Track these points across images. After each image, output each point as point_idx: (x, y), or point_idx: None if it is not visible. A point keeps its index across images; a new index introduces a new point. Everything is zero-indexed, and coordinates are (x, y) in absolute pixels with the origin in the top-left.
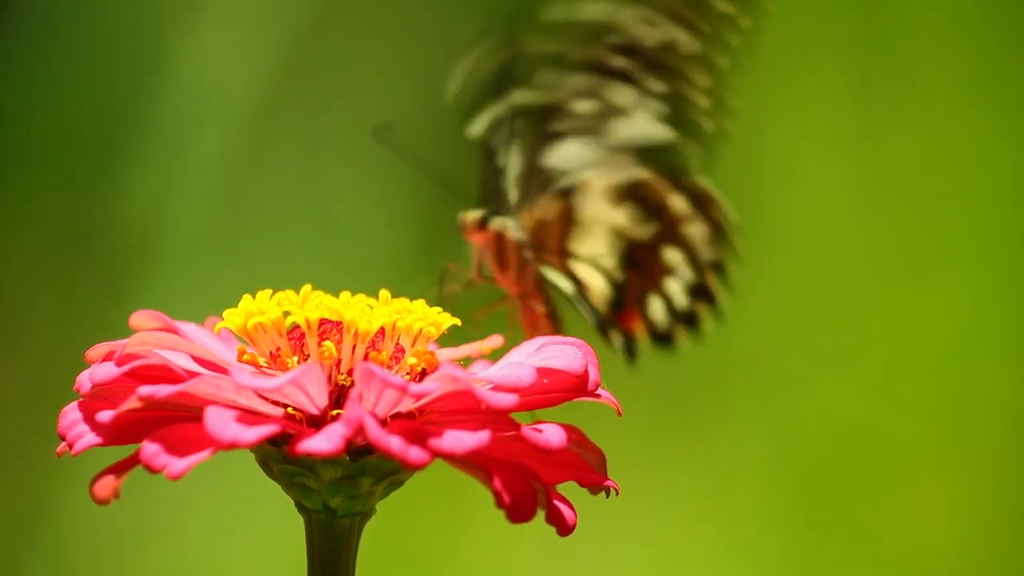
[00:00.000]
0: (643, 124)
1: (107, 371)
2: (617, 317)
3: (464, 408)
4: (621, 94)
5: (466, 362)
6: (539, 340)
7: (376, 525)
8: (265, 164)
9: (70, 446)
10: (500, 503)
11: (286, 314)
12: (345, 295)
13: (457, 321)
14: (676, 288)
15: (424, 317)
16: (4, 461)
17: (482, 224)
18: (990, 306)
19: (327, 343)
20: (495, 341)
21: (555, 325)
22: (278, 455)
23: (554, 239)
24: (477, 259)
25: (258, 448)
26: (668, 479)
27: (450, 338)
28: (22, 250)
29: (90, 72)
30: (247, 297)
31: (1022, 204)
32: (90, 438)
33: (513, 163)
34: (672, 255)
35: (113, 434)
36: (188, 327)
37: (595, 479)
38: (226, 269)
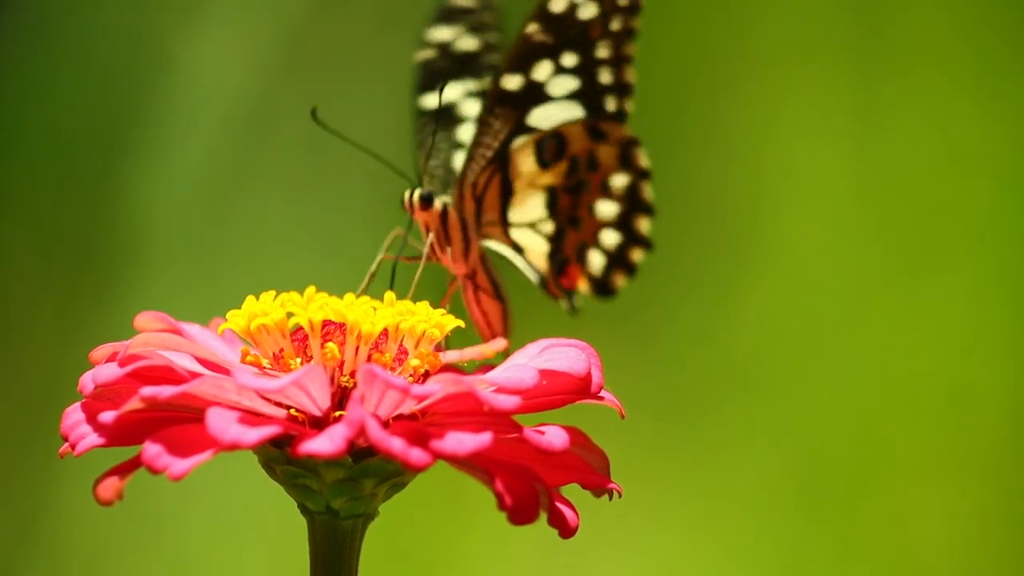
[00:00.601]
0: (558, 100)
1: (110, 372)
2: (560, 276)
3: (467, 410)
4: (540, 69)
5: (470, 365)
6: (543, 342)
7: (376, 526)
8: (262, 163)
9: (73, 447)
10: (502, 505)
11: (289, 315)
12: (349, 296)
13: (461, 323)
14: (611, 238)
15: (428, 319)
16: (2, 462)
17: (426, 202)
18: (988, 306)
19: (330, 344)
20: (499, 344)
21: (500, 302)
22: (281, 456)
23: (494, 212)
24: (425, 238)
25: (261, 449)
26: (666, 481)
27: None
28: (20, 250)
29: (86, 72)
30: (251, 298)
31: (1020, 204)
32: (93, 439)
33: (453, 141)
34: (605, 207)
35: (115, 435)
36: (192, 328)
37: (598, 481)
38: (223, 269)
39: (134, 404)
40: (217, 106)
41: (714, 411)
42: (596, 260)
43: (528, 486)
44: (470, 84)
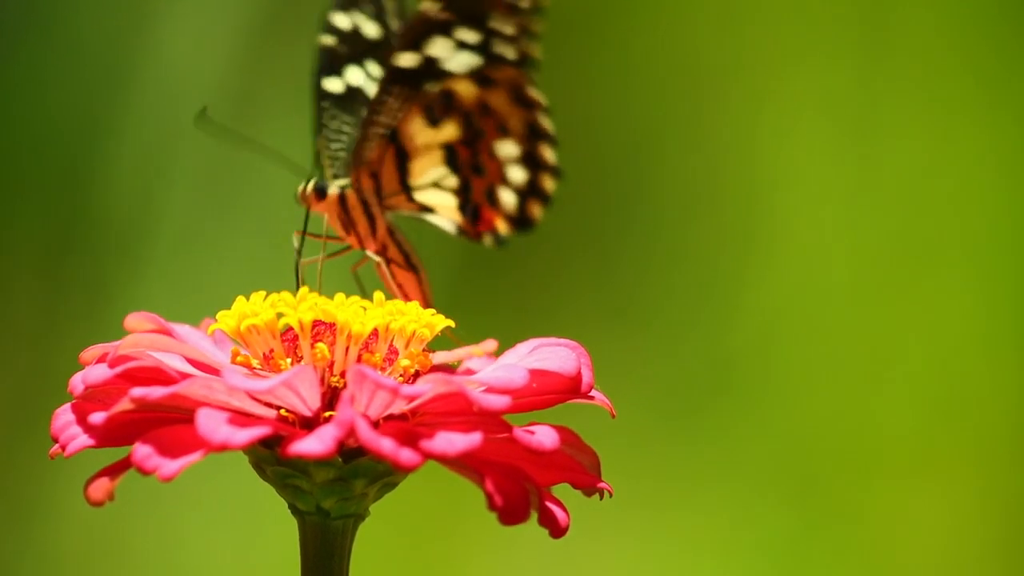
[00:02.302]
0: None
1: (100, 373)
2: (476, 222)
3: (457, 410)
4: (437, 45)
5: (460, 365)
6: (533, 342)
7: (371, 527)
8: (251, 158)
9: (63, 448)
10: (492, 505)
11: (279, 316)
12: (339, 296)
13: (451, 323)
14: (519, 174)
15: (418, 319)
16: None
17: (320, 193)
18: (987, 305)
19: (320, 345)
20: (490, 344)
21: (413, 271)
22: (271, 457)
23: (393, 183)
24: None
25: (251, 450)
26: (662, 478)
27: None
28: (8, 250)
29: (70, 69)
30: (240, 299)
31: (1019, 203)
32: (83, 440)
33: (346, 125)
34: (506, 147)
35: (106, 436)
36: (182, 329)
37: (588, 481)
38: (214, 267)
39: (124, 405)
40: (199, 98)
41: (711, 408)
42: (508, 198)
43: (518, 486)
44: (373, 68)
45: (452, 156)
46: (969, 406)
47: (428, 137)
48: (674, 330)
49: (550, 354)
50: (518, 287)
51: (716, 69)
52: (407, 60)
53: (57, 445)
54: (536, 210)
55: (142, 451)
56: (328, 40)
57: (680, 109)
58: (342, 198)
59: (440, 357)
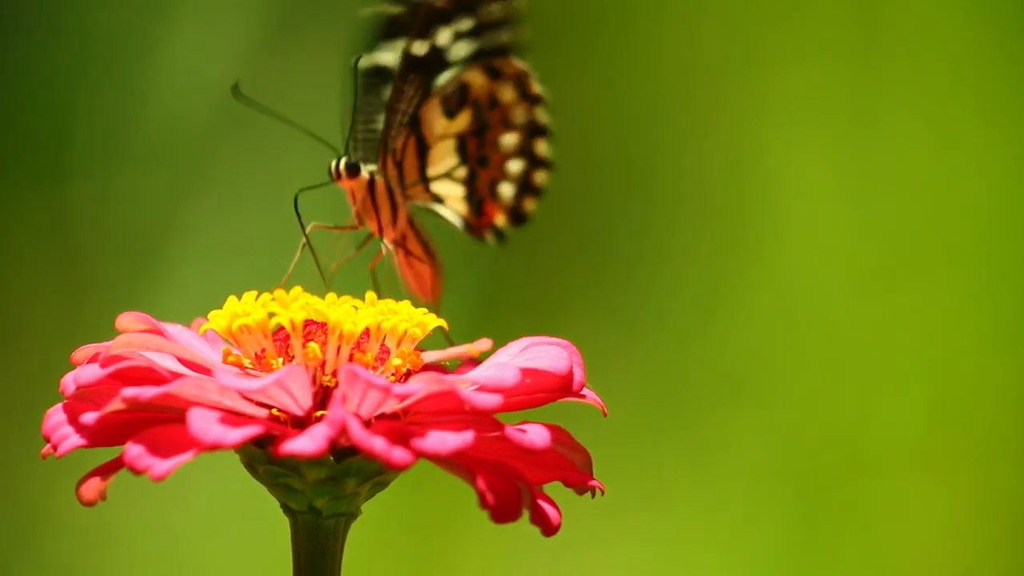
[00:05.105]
0: (460, 65)
1: (91, 373)
2: (480, 216)
3: (448, 409)
4: (442, 35)
5: (452, 364)
6: (524, 341)
7: (363, 525)
8: (256, 157)
9: (55, 448)
10: (484, 503)
11: (271, 315)
12: (331, 296)
13: (443, 323)
14: (516, 166)
15: (409, 318)
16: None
17: (353, 171)
18: (986, 305)
19: (312, 344)
20: (482, 344)
21: (432, 263)
22: (263, 456)
23: (414, 172)
24: (352, 205)
25: (243, 449)
26: (661, 479)
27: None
28: (16, 253)
29: (82, 72)
30: (232, 298)
31: (1017, 202)
32: (74, 440)
33: (375, 110)
34: (507, 139)
35: (97, 436)
36: (174, 328)
37: (580, 479)
38: (225, 270)
39: (116, 405)
40: (207, 100)
41: (709, 410)
42: (506, 191)
43: (510, 484)
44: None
45: (462, 147)
46: (969, 406)
47: (444, 128)
48: (673, 330)
49: (541, 353)
50: (514, 288)
51: (714, 71)
52: (420, 48)
53: (49, 445)
54: (529, 204)
55: (134, 451)
56: (390, 9)
57: (679, 110)
58: (372, 182)
59: (432, 356)
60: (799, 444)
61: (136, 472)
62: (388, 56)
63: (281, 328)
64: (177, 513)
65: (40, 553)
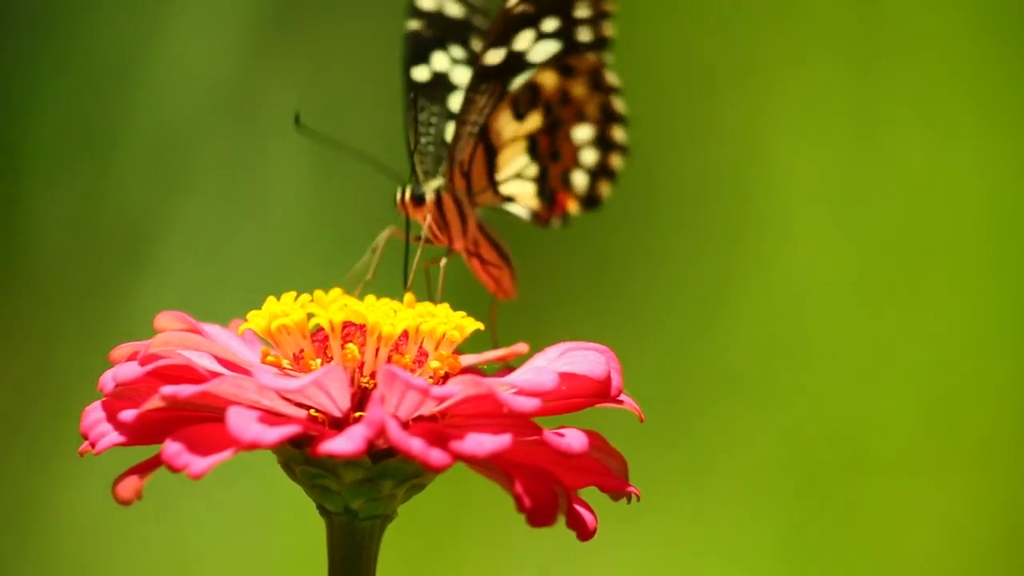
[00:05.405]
0: (539, 65)
1: (130, 371)
2: (552, 207)
3: (486, 412)
4: (522, 39)
5: (490, 368)
6: (563, 346)
7: (394, 527)
8: (257, 160)
9: (92, 445)
10: (521, 507)
11: (310, 316)
12: (370, 298)
13: (481, 326)
14: (591, 156)
15: (447, 321)
16: (10, 458)
17: (418, 201)
18: (985, 305)
19: (350, 345)
20: (520, 347)
21: (507, 265)
22: (300, 456)
23: (482, 180)
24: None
25: (280, 449)
26: (662, 478)
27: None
28: (14, 252)
29: (78, 72)
30: (271, 299)
31: (1017, 202)
32: (113, 437)
33: (445, 113)
34: (582, 131)
35: (136, 433)
36: (212, 328)
37: (616, 484)
38: (221, 269)
39: (154, 403)
40: (207, 99)
41: (709, 410)
42: (580, 180)
43: (547, 488)
44: (457, 51)
45: (533, 146)
46: (969, 406)
47: (514, 130)
48: (673, 330)
49: (579, 358)
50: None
51: (716, 72)
52: (495, 57)
53: (87, 442)
54: (605, 188)
55: (172, 448)
56: (414, 24)
57: (679, 110)
58: (438, 202)
59: (469, 360)
60: (799, 444)
61: (174, 470)
62: (444, 59)
63: (320, 329)
64: (209, 514)
65: (40, 553)
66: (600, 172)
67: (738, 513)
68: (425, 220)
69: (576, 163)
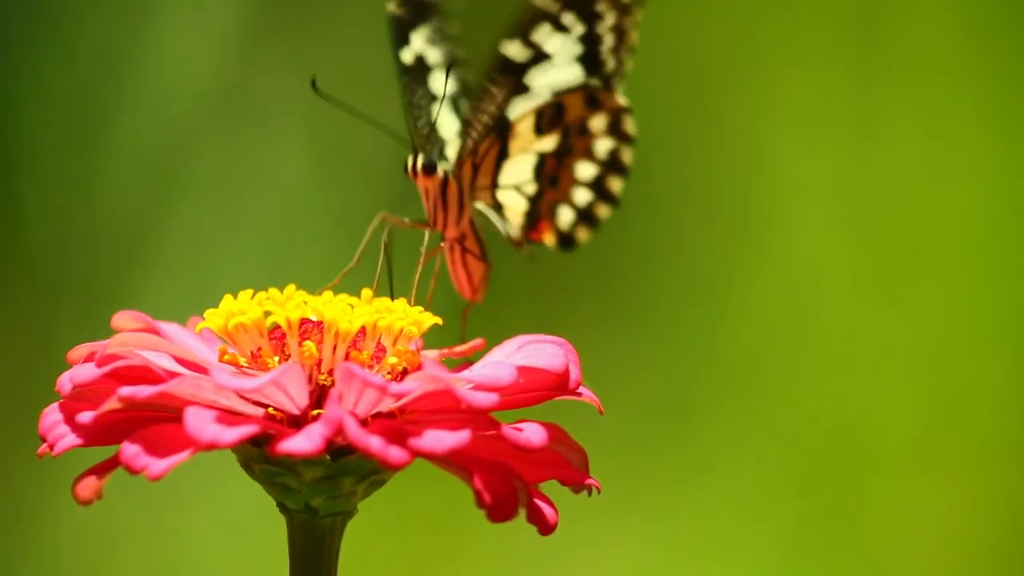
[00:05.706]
0: (563, 67)
1: (88, 372)
2: (531, 230)
3: (445, 407)
4: (550, 40)
5: (449, 362)
6: (521, 339)
7: (362, 523)
8: (255, 156)
9: (51, 447)
10: (480, 502)
11: (267, 314)
12: (327, 294)
13: (439, 320)
14: (583, 196)
15: (405, 316)
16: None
17: (429, 170)
18: (985, 304)
19: (308, 343)
20: (477, 343)
21: (486, 263)
22: (259, 455)
23: (488, 177)
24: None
25: (239, 448)
26: (664, 479)
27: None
28: (10, 251)
29: (71, 70)
30: (228, 297)
31: (1016, 203)
32: (71, 439)
33: (429, 94)
34: (585, 169)
35: (94, 435)
36: (170, 327)
37: (576, 477)
38: (218, 268)
39: (112, 404)
40: (200, 96)
41: (711, 409)
42: (565, 216)
43: (507, 483)
44: (428, 31)
45: (541, 165)
46: (969, 406)
47: (530, 142)
48: (672, 331)
49: (537, 351)
50: (516, 289)
51: (717, 73)
52: (512, 49)
53: (45, 444)
54: (583, 234)
55: (130, 450)
56: (392, 7)
57: (678, 110)
58: (445, 180)
59: (428, 355)
60: (800, 444)
61: (133, 471)
62: (406, 55)
63: (277, 327)
64: (172, 513)
65: (40, 553)
66: (585, 216)
67: (738, 513)
68: (428, 195)
69: (568, 198)
